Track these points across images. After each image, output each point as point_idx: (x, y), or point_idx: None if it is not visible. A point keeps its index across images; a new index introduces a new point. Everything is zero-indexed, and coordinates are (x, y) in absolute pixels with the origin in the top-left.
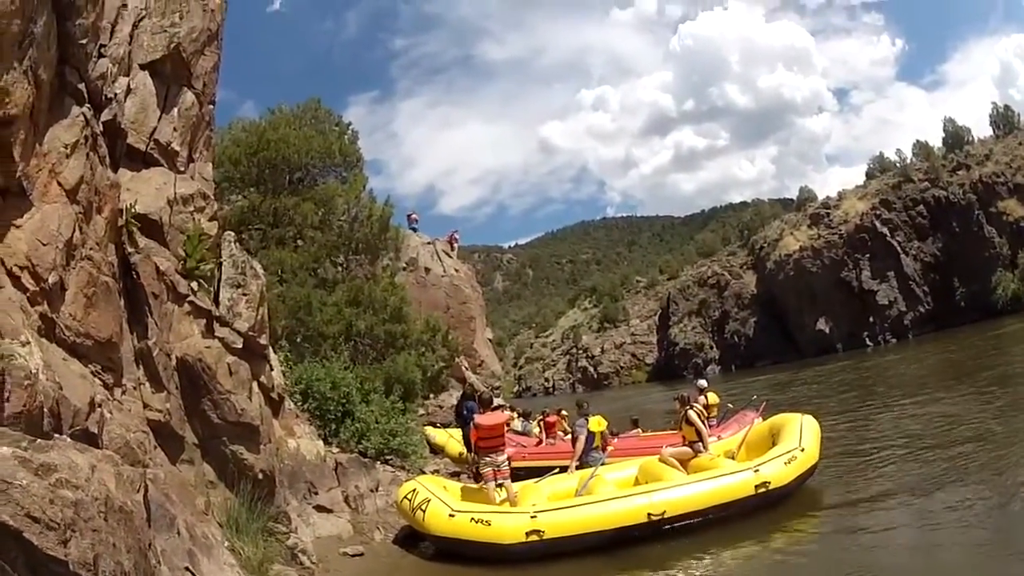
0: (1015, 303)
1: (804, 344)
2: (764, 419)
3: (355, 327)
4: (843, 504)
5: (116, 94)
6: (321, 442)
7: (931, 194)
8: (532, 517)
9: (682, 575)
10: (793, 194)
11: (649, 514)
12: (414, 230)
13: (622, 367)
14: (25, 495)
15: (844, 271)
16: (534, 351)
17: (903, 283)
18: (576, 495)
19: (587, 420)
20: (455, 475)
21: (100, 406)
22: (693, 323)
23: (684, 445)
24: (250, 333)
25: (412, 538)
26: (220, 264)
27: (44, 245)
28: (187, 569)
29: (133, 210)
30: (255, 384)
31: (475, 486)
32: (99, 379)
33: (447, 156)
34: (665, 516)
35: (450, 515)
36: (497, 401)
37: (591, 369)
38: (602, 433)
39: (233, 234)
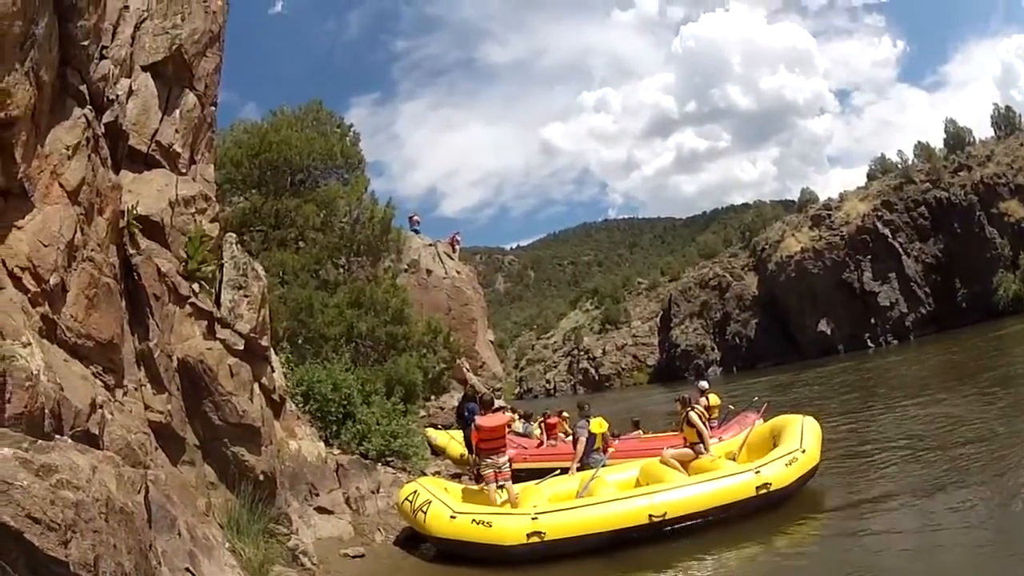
0: (1016, 304)
1: (805, 345)
2: (765, 420)
3: (356, 329)
4: (844, 505)
5: (118, 96)
6: (322, 444)
7: (932, 195)
8: (533, 518)
9: None
10: (795, 195)
11: (650, 515)
12: (416, 232)
13: (623, 369)
14: (26, 496)
15: (845, 272)
16: (535, 353)
17: (904, 284)
18: (577, 496)
19: (588, 422)
20: (456, 477)
21: (101, 407)
22: (694, 325)
23: (685, 446)
24: (251, 335)
25: (413, 539)
26: (221, 266)
27: (45, 246)
28: (188, 570)
29: (135, 212)
30: (256, 386)
31: (476, 488)
32: (100, 380)
33: (449, 158)
34: (666, 517)
35: (451, 516)
36: (498, 403)
37: (592, 371)
38: (603, 435)
39: (235, 236)
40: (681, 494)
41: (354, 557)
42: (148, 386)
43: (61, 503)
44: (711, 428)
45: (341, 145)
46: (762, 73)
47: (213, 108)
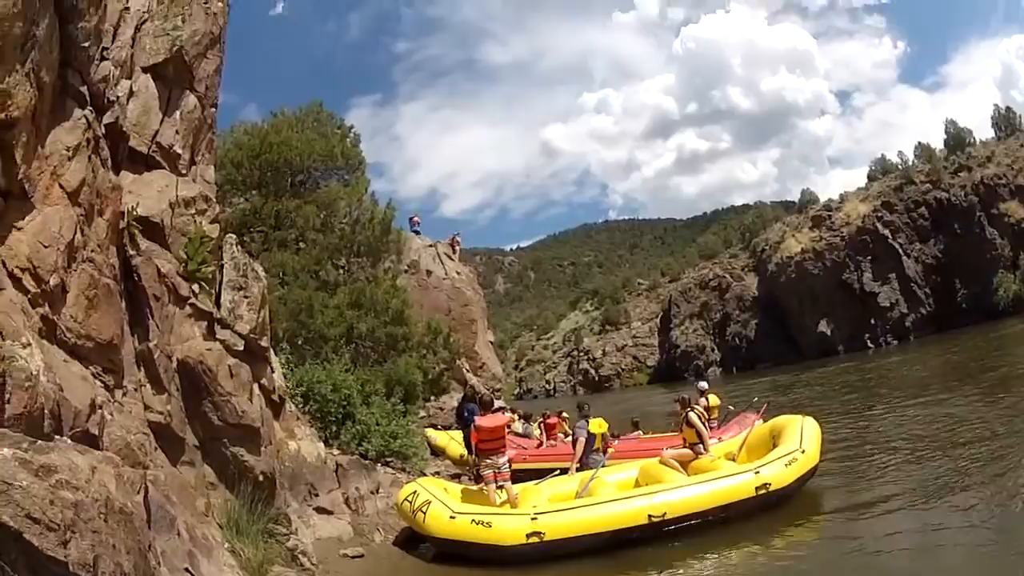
0: (1016, 304)
1: (805, 346)
2: (765, 421)
3: (356, 329)
4: (844, 505)
5: (118, 97)
6: (322, 444)
7: (933, 196)
8: (533, 519)
9: None
10: (795, 196)
11: (650, 516)
12: (416, 233)
13: (623, 369)
14: (25, 496)
15: (846, 273)
16: (535, 353)
17: (904, 285)
18: (577, 497)
19: (587, 422)
20: (456, 477)
21: (101, 408)
22: (694, 325)
23: (685, 447)
24: (251, 335)
25: (412, 540)
26: (221, 266)
27: (45, 247)
28: (187, 570)
29: (135, 212)
30: (256, 386)
31: (476, 488)
32: (100, 381)
33: (449, 159)
34: (666, 518)
35: (451, 517)
36: (498, 403)
37: (592, 371)
38: (603, 435)
39: (235, 237)
40: (680, 494)
41: (353, 557)
42: (148, 386)
43: (60, 503)
44: (711, 429)
45: (341, 146)
46: (763, 74)
47: (213, 109)
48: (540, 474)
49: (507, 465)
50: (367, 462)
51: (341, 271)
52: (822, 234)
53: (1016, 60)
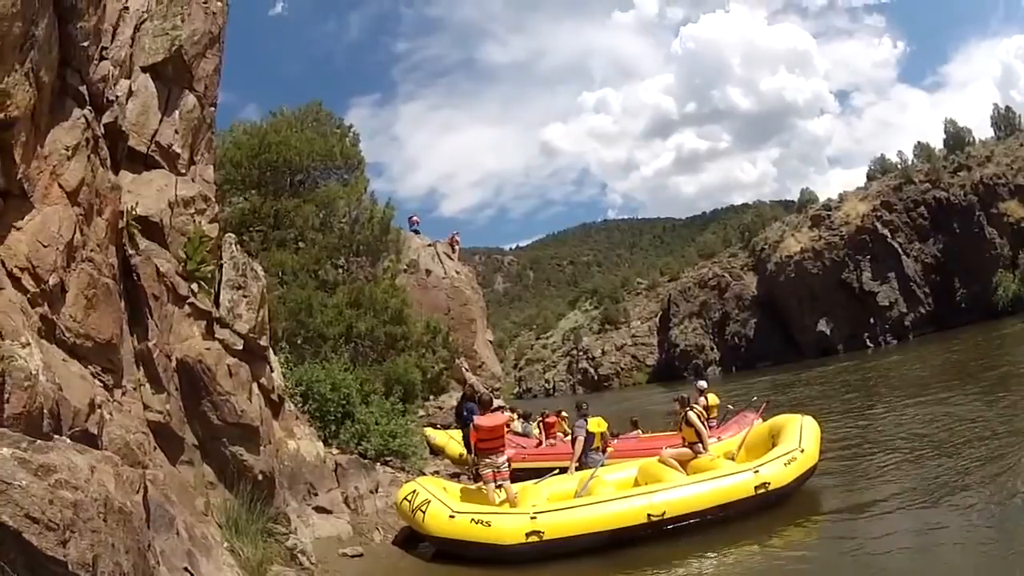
0: (1016, 304)
1: (805, 345)
2: (764, 420)
3: (355, 329)
4: (844, 504)
5: (117, 96)
6: (321, 443)
7: (932, 195)
8: (532, 518)
9: None
10: (794, 196)
11: (649, 515)
12: (416, 232)
13: (622, 369)
14: (25, 496)
15: (845, 272)
16: (534, 352)
17: (904, 284)
18: (576, 496)
19: (586, 421)
20: (455, 476)
21: (100, 407)
22: (694, 324)
23: (684, 446)
24: (250, 335)
25: (412, 539)
26: (221, 266)
27: (45, 247)
28: (186, 569)
29: (134, 212)
30: (255, 385)
31: (475, 487)
32: (99, 380)
33: (449, 159)
34: (665, 517)
35: (450, 516)
36: (497, 402)
37: (591, 371)
38: (602, 434)
39: (234, 236)
40: (680, 493)
41: (353, 556)
42: (147, 386)
43: (59, 503)
44: (710, 428)
45: (341, 146)
46: (762, 74)
47: (213, 109)
48: (539, 473)
49: (506, 464)
50: (366, 461)
51: (340, 270)
52: (821, 233)
53: (1016, 60)
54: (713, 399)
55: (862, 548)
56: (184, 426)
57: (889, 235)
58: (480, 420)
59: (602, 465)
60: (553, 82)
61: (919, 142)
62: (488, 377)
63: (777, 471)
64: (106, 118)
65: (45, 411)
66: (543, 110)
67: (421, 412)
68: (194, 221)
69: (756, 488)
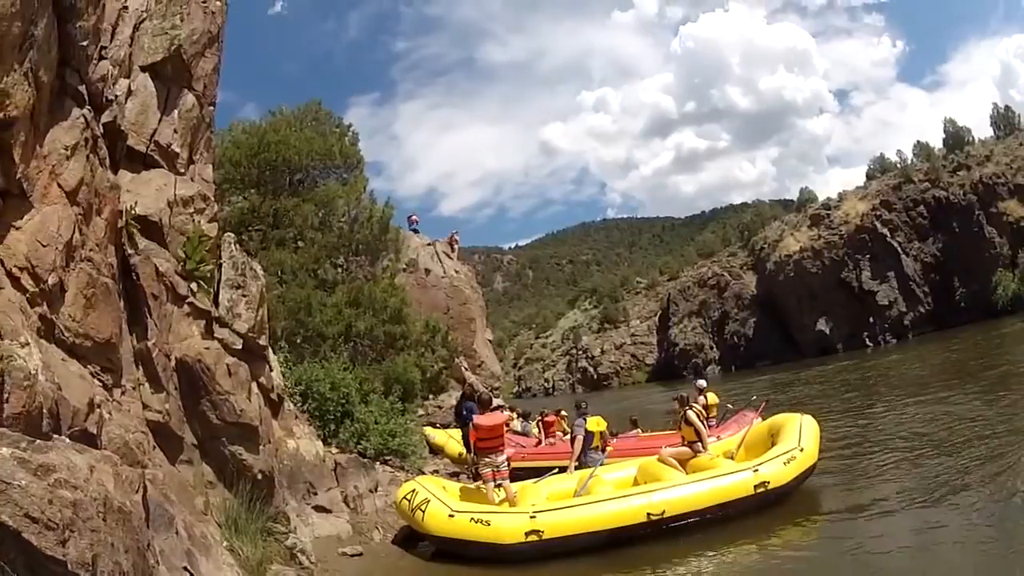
0: (1015, 303)
1: (804, 344)
2: (763, 419)
3: (355, 328)
4: (843, 503)
5: (116, 96)
6: (320, 442)
7: (931, 195)
8: (531, 517)
9: (681, 575)
10: (794, 195)
11: (648, 514)
12: (415, 232)
13: (622, 368)
14: (24, 495)
15: (844, 272)
16: (534, 352)
17: (903, 283)
18: (575, 495)
19: (585, 420)
20: (454, 475)
21: (99, 407)
22: (693, 324)
23: (683, 445)
24: (249, 334)
25: (411, 538)
26: (220, 265)
27: (44, 246)
28: (185, 569)
29: (133, 212)
30: (254, 385)
31: (474, 486)
32: (98, 380)
33: (448, 158)
34: (664, 516)
35: (449, 515)
36: (496, 402)
37: (591, 370)
38: (601, 433)
39: (233, 235)
40: (679, 493)
41: (352, 556)
42: (146, 385)
43: (59, 502)
44: (709, 427)
45: (340, 145)
46: (761, 73)
47: (212, 108)
48: (539, 472)
49: (506, 463)
50: (366, 460)
51: (339, 270)
52: (821, 233)
53: (1015, 59)
54: (712, 398)
55: (861, 547)
56: (183, 425)
57: (888, 234)
58: (479, 419)
59: (601, 464)
60: (552, 81)
61: (918, 141)
62: (487, 376)
63: (776, 470)
64: (105, 117)
65: (44, 411)
66: (542, 109)
67: (420, 411)
68: (193, 220)
69: (755, 487)
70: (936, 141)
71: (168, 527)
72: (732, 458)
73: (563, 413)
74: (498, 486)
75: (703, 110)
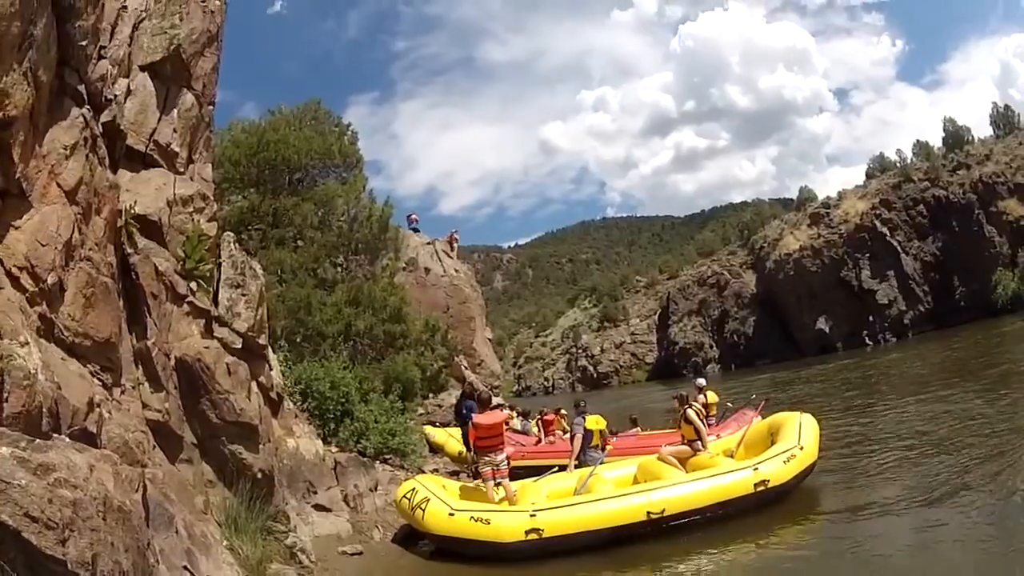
0: (1015, 302)
1: (804, 343)
2: (763, 418)
3: (354, 327)
4: (843, 502)
5: (116, 95)
6: (320, 441)
7: (931, 194)
8: (531, 516)
9: (682, 573)
10: (793, 194)
11: (648, 512)
12: (415, 231)
13: (622, 366)
14: (24, 495)
15: (844, 270)
16: (534, 350)
17: (903, 282)
18: (575, 494)
19: (584, 418)
20: (454, 474)
21: (99, 406)
22: (693, 322)
23: (683, 444)
24: (249, 333)
25: (411, 537)
26: (219, 264)
27: (43, 246)
28: (185, 568)
29: (132, 211)
30: (254, 384)
31: (474, 485)
32: (98, 379)
33: (447, 157)
34: (664, 514)
35: (449, 514)
36: (496, 400)
37: (591, 368)
38: (601, 432)
39: (232, 234)
40: (679, 491)
41: (352, 555)
42: (146, 385)
43: (59, 502)
44: (709, 426)
45: (339, 144)
46: (761, 72)
47: (211, 107)
48: (538, 471)
49: (505, 462)
50: (365, 459)
51: (339, 269)
52: (820, 231)
53: (1015, 59)
54: (712, 397)
55: (861, 545)
56: (183, 425)
57: (888, 233)
58: (479, 418)
59: (601, 463)
60: (552, 81)
61: (918, 140)
62: (487, 375)
63: (776, 469)
64: (104, 117)
65: (44, 410)
66: (542, 109)
67: (420, 410)
68: (193, 220)
69: (755, 486)
70: (936, 140)
71: (168, 526)
72: (732, 457)
73: (563, 412)
74: (498, 485)
75: (703, 109)
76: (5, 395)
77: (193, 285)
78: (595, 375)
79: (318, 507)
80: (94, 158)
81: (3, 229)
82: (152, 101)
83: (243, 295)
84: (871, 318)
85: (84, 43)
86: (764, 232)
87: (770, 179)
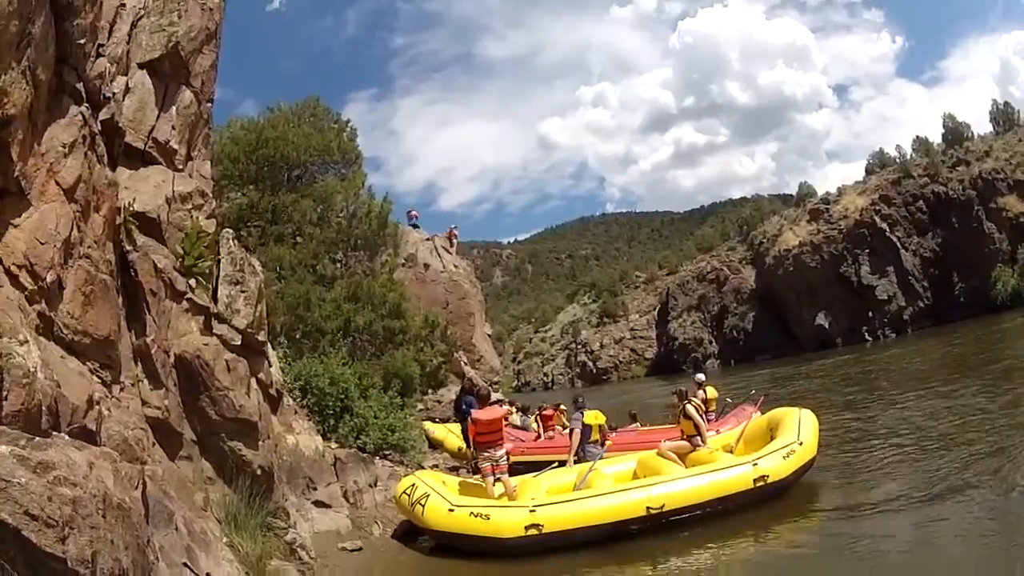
0: (1015, 298)
1: (803, 339)
2: (762, 413)
3: (354, 323)
4: (843, 497)
5: (114, 93)
6: (320, 438)
7: (930, 190)
8: (531, 511)
9: (681, 568)
10: (793, 190)
11: (648, 508)
12: (414, 227)
13: (621, 362)
14: (23, 493)
15: (843, 266)
16: (533, 346)
17: (902, 278)
18: (575, 489)
19: (582, 414)
20: (454, 470)
21: (98, 403)
22: (692, 318)
23: (682, 439)
24: (248, 330)
25: (411, 533)
26: (218, 261)
27: (42, 244)
28: (185, 565)
29: (131, 208)
30: (253, 380)
31: (474, 480)
32: (97, 377)
33: (446, 153)
34: (664, 510)
35: (449, 510)
36: (495, 396)
37: (590, 364)
38: (600, 427)
39: (232, 231)
40: (678, 486)
41: (352, 551)
42: (145, 382)
43: (58, 500)
44: (708, 421)
45: (338, 141)
46: (760, 68)
47: (210, 104)
48: (538, 467)
49: (505, 458)
50: (365, 455)
51: (338, 265)
52: (820, 227)
53: (1014, 56)
54: (711, 392)
55: (861, 541)
56: (183, 422)
57: (888, 229)
58: (478, 414)
59: (601, 458)
60: (551, 77)
61: (918, 137)
62: (487, 371)
63: (776, 464)
64: (103, 115)
65: (43, 408)
66: (541, 104)
67: (420, 406)
68: (191, 217)
69: (755, 481)
70: (935, 136)
71: (168, 523)
72: (731, 452)
73: (562, 407)
74: (497, 480)
75: (702, 105)
76: (4, 393)
77: (192, 282)
78: (594, 371)
79: (318, 503)
80: (93, 156)
81: (2, 227)
82: (151, 98)
83: (242, 292)
84: (870, 314)
85: (82, 41)
86: (763, 228)
87: (769, 175)
